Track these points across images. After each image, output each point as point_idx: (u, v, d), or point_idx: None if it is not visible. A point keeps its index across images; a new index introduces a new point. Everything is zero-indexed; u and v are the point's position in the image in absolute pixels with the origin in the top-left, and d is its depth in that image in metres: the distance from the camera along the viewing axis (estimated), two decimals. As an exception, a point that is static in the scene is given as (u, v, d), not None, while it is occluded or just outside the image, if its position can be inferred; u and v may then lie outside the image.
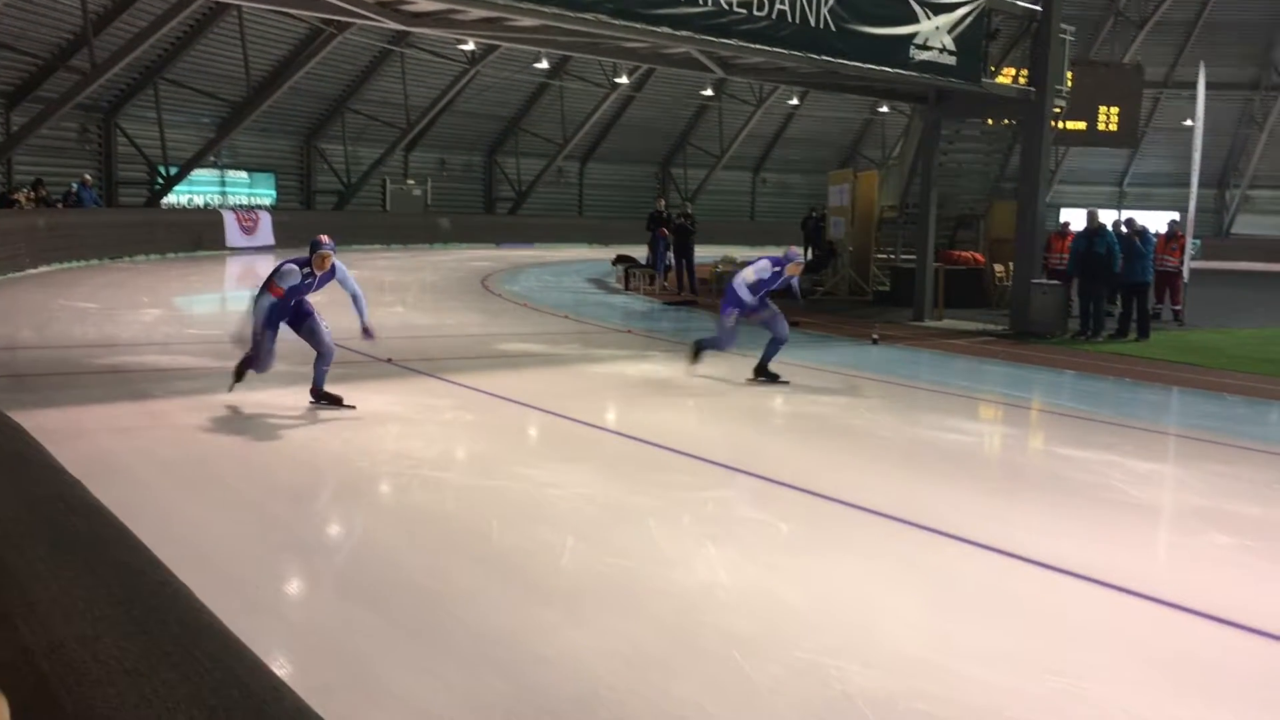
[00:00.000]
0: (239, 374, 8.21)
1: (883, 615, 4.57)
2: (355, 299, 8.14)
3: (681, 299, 18.49)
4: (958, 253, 19.13)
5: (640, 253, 22.20)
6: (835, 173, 23.01)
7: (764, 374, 10.34)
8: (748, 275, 10.24)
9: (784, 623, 4.41)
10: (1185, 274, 17.22)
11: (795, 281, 10.61)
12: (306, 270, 7.84)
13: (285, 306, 7.96)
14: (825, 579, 5.00)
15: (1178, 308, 17.27)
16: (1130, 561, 5.45)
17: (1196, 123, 17.62)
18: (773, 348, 10.34)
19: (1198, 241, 22.45)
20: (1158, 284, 16.52)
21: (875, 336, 14.17)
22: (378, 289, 19.52)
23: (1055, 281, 15.70)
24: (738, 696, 3.74)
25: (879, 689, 3.81)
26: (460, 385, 9.66)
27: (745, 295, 10.15)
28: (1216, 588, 5.06)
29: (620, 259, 22.69)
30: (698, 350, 10.59)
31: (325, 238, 7.93)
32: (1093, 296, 15.13)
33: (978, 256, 19.17)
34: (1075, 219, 17.58)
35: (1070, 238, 16.21)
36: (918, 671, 3.97)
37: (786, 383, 10.23)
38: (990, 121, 19.63)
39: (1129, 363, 12.84)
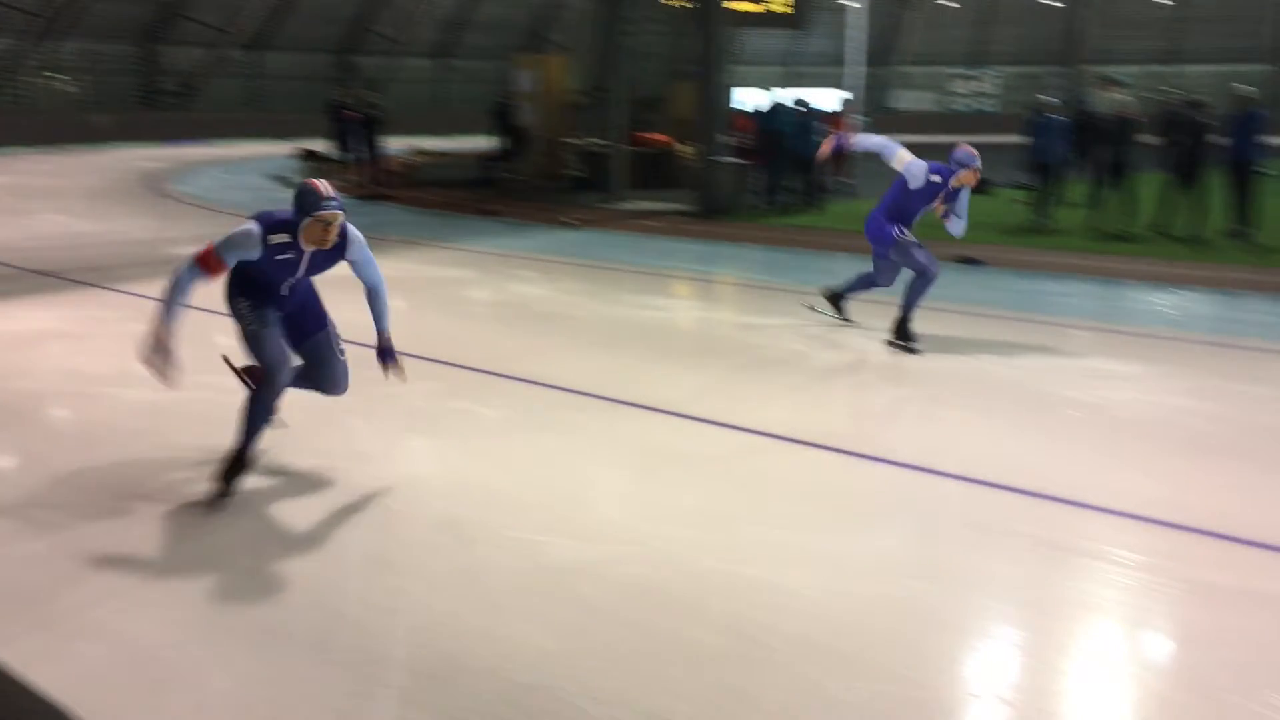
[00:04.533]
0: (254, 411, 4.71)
1: (590, 489, 4.70)
2: (373, 294, 4.83)
3: (373, 192, 17.88)
4: (646, 135, 19.46)
5: (324, 146, 21.20)
6: (522, 57, 22.71)
7: (904, 336, 7.38)
8: (900, 163, 7.34)
9: (492, 505, 4.44)
10: (854, 149, 18.34)
11: (963, 197, 7.46)
12: (283, 240, 4.46)
13: (271, 288, 4.65)
14: (532, 460, 5.06)
15: (850, 181, 18.41)
16: (819, 419, 5.84)
17: (860, 3, 18.59)
18: (917, 292, 7.38)
19: (864, 118, 23.92)
20: (829, 158, 17.50)
21: (570, 220, 14.29)
22: (26, 195, 17.67)
23: (740, 160, 16.33)
24: (449, 580, 3.75)
25: (588, 558, 3.93)
26: (134, 295, 8.95)
27: (887, 228, 7.41)
28: (893, 434, 5.53)
29: (304, 153, 21.59)
30: (837, 298, 8.13)
31: (325, 186, 4.51)
32: (773, 172, 15.94)
33: (665, 138, 19.59)
34: (754, 99, 18.30)
35: (750, 117, 16.88)
36: (626, 538, 4.12)
37: (919, 351, 7.26)
38: (669, 2, 19.91)
39: (807, 234, 13.62)
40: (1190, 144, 12.44)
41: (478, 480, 4.74)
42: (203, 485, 4.54)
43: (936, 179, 7.30)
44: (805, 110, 15.97)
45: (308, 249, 4.52)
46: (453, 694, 3.04)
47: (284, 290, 4.66)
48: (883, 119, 41.24)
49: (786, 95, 17.08)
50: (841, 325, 8.06)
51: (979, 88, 46.02)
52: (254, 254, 4.44)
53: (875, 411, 6.07)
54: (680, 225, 14.53)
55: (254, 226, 4.45)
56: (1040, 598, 3.72)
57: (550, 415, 5.83)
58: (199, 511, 4.32)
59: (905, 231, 7.42)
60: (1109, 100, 13.75)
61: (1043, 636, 3.50)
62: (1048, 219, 13.67)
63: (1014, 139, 14.75)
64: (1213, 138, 12.44)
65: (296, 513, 4.34)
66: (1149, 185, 12.96)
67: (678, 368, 6.98)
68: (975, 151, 7.30)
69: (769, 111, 16.10)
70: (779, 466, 5.06)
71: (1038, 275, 10.54)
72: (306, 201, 4.44)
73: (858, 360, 7.32)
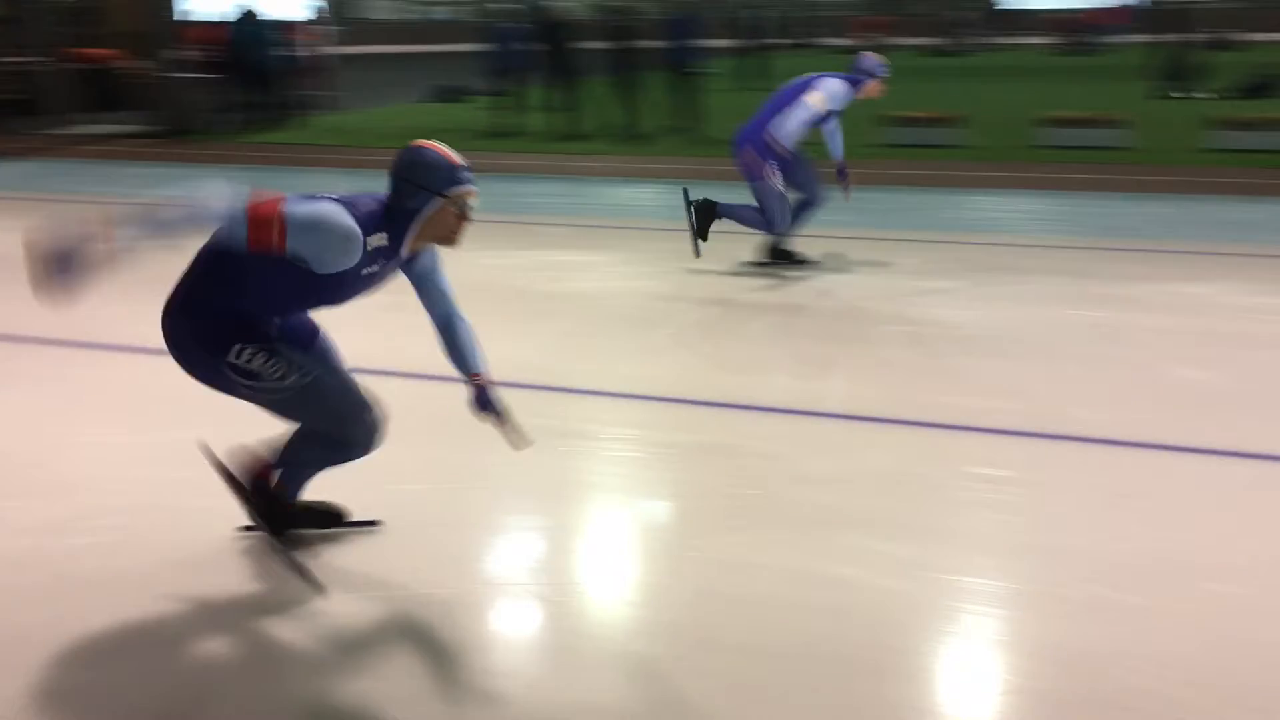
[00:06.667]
0: None
1: (67, 445, 4.29)
2: (452, 326, 3.19)
3: None
4: (87, 51, 17.48)
5: None
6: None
7: (781, 253, 7.01)
8: (814, 102, 6.59)
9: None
10: (327, 59, 17.77)
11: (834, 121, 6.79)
12: (380, 243, 2.95)
13: (299, 314, 3.22)
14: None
15: (331, 93, 17.76)
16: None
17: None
18: (805, 214, 6.97)
19: (336, 27, 23.20)
20: (301, 70, 16.86)
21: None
22: None
23: (206, 74, 15.26)
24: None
25: (63, 516, 3.61)
26: None
27: (792, 132, 6.57)
28: (387, 346, 5.55)
29: None
30: (705, 208, 6.83)
31: (450, 149, 3.00)
32: (243, 86, 15.09)
33: (110, 53, 17.71)
34: (217, 8, 17.10)
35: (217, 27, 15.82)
36: (110, 489, 3.82)
37: (816, 261, 7.04)
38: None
39: (289, 150, 13.12)
40: (628, 48, 13.60)
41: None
42: None
43: (850, 91, 6.76)
44: (258, 20, 15.19)
45: (407, 254, 3.02)
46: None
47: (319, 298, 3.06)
48: (356, 29, 40.38)
49: (250, 4, 16.13)
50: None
51: (446, -5, 46.30)
52: (344, 263, 2.88)
53: (365, 324, 6.06)
54: (147, 149, 13.40)
55: (351, 223, 2.82)
56: (545, 483, 3.95)
57: (10, 368, 5.22)
58: None
59: (778, 173, 6.64)
60: (563, 7, 14.47)
61: (551, 519, 3.73)
62: (513, 122, 14.20)
63: (480, 47, 15.10)
64: (649, 42, 13.69)
65: None
66: (598, 88, 13.95)
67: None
68: (883, 60, 6.94)
69: (236, 21, 15.13)
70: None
71: (509, 177, 10.96)
72: (433, 174, 2.91)
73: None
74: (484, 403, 3.13)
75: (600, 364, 5.34)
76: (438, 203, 2.92)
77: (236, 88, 15.11)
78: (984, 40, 34.26)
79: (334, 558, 3.32)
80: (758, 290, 6.67)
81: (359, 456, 3.17)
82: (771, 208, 6.72)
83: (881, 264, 7.19)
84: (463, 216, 2.98)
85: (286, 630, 2.97)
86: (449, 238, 3.02)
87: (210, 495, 3.32)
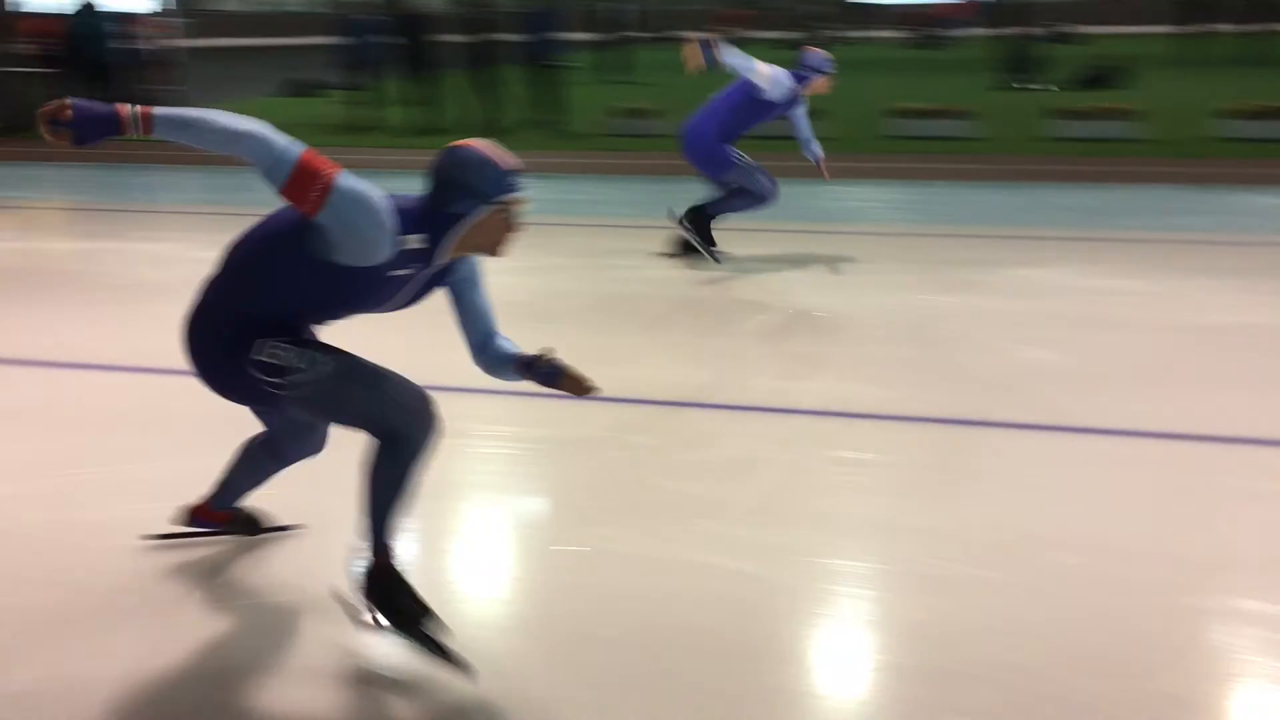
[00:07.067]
0: None
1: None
2: (490, 347, 3.04)
3: None
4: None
5: None
6: None
7: (688, 247, 6.96)
8: (761, 70, 6.55)
9: None
10: (173, 53, 17.15)
11: (803, 113, 6.96)
12: (418, 247, 2.65)
13: (315, 321, 2.93)
14: None
15: (179, 88, 17.15)
16: (136, 342, 5.50)
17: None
18: (738, 207, 6.94)
19: (184, 20, 22.37)
20: (145, 64, 16.22)
21: None
22: None
23: (41, 69, 14.56)
24: None
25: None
26: None
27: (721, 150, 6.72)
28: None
29: None
30: (696, 220, 6.91)
31: (501, 150, 2.73)
32: (82, 81, 14.47)
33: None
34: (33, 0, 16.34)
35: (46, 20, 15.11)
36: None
37: (724, 255, 7.00)
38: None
39: (130, 148, 12.51)
40: (487, 41, 13.55)
41: None
42: None
43: (796, 85, 6.73)
44: (96, 12, 14.59)
45: (444, 261, 2.74)
46: None
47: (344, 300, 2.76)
48: (204, 21, 39.01)
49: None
50: (163, 242, 7.32)
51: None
52: (370, 256, 2.59)
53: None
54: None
55: (388, 214, 2.57)
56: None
57: None
58: None
59: (743, 154, 6.76)
60: (419, 0, 14.28)
61: (422, 519, 3.63)
62: (370, 117, 13.96)
63: (335, 39, 14.77)
64: (508, 35, 13.65)
65: None
66: (457, 81, 13.80)
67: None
68: (829, 55, 6.93)
69: (73, 14, 14.49)
70: (119, 401, 4.71)
71: (367, 173, 10.63)
72: (480, 178, 2.64)
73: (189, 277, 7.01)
74: (538, 374, 2.92)
75: (468, 360, 5.26)
76: (485, 210, 2.66)
77: (75, 83, 14.42)
78: (838, 34, 35.09)
79: (200, 568, 3.21)
80: (629, 284, 6.71)
81: (424, 439, 2.80)
82: (754, 183, 6.78)
83: (740, 254, 7.27)
84: (511, 225, 2.72)
85: (146, 642, 2.85)
86: (493, 248, 2.74)
87: (67, 509, 3.17)
